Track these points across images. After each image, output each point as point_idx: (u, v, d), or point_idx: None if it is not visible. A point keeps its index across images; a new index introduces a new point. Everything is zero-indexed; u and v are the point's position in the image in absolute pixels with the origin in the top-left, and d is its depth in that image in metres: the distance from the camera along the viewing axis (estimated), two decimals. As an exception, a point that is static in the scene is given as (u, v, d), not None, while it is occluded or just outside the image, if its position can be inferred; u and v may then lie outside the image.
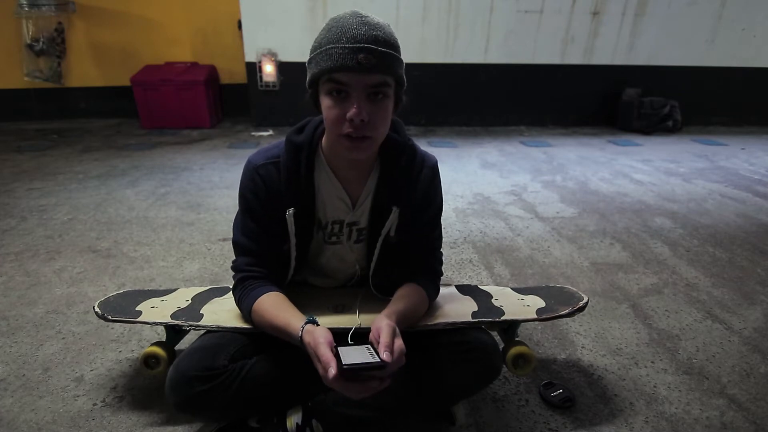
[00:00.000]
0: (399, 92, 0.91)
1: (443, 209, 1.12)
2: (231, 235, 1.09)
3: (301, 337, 0.87)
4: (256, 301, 0.98)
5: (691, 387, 1.30)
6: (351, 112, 0.84)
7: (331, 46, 0.83)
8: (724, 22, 4.81)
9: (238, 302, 1.04)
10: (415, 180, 1.04)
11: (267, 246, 1.03)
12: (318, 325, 0.89)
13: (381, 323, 0.85)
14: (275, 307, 0.97)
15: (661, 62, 4.90)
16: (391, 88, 0.87)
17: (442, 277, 1.15)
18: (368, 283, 1.11)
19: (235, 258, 1.06)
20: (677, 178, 3.33)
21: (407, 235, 1.06)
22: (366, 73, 0.82)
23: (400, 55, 0.88)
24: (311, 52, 0.88)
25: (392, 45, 0.85)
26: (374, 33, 0.83)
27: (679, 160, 3.82)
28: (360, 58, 0.81)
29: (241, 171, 1.03)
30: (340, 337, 0.88)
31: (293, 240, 1.02)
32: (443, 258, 1.16)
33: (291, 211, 0.99)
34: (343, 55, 0.81)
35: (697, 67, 4.96)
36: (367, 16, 0.85)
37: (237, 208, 1.07)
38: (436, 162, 1.08)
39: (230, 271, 1.07)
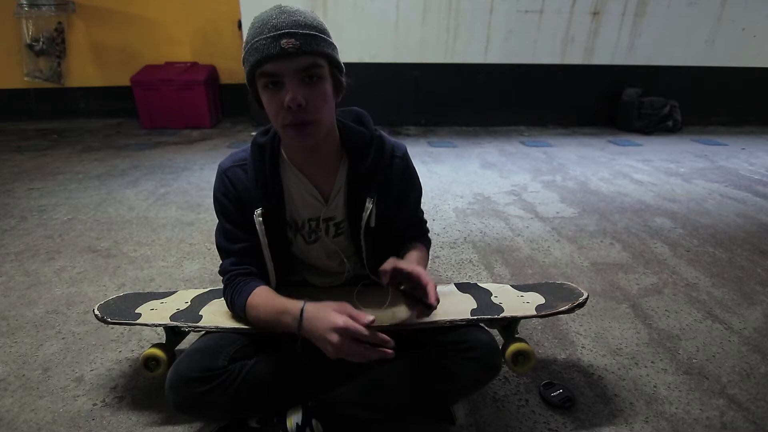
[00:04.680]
0: (336, 75, 0.91)
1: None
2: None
3: (302, 310, 0.89)
4: (251, 295, 0.99)
5: (691, 387, 1.30)
6: (287, 99, 0.84)
7: (255, 40, 0.84)
8: (724, 22, 4.81)
9: (231, 302, 1.04)
10: (387, 171, 1.05)
11: (247, 245, 1.04)
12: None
13: (412, 267, 0.93)
14: (270, 297, 0.99)
15: (661, 62, 4.89)
16: (323, 69, 0.88)
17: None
18: (362, 278, 1.14)
19: (221, 262, 1.08)
20: (677, 178, 3.33)
21: (394, 222, 1.10)
22: (292, 57, 0.83)
23: (328, 37, 0.88)
24: (243, 53, 0.89)
25: (315, 27, 0.86)
26: (294, 18, 0.84)
27: (679, 160, 3.82)
28: (283, 43, 0.82)
29: None
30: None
31: (263, 240, 1.03)
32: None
33: (258, 211, 1.00)
34: (267, 45, 0.83)
35: (697, 67, 4.96)
36: (288, 6, 0.86)
37: None
38: (406, 149, 1.10)
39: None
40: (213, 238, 1.10)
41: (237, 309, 1.02)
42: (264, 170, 1.00)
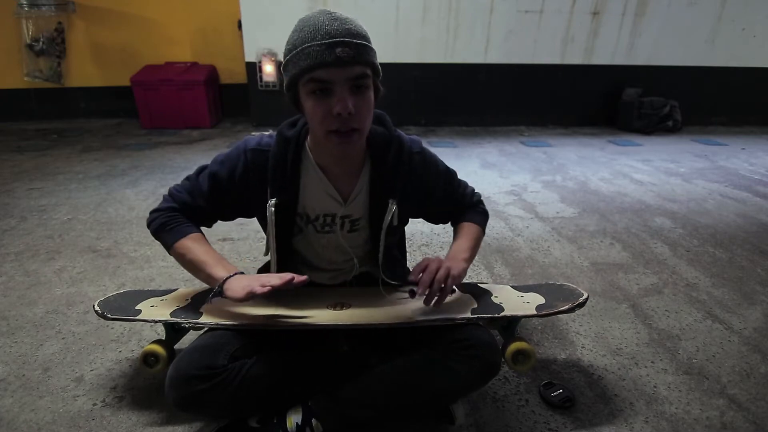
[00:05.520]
0: (376, 82, 0.92)
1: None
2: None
3: (235, 274, 0.98)
4: (188, 235, 1.04)
5: (691, 387, 1.30)
6: (338, 107, 0.85)
7: (306, 45, 0.83)
8: (724, 22, 4.81)
9: (160, 226, 1.06)
10: (408, 171, 1.06)
11: (203, 211, 1.08)
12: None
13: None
14: (210, 249, 1.06)
15: (661, 62, 4.90)
16: (370, 78, 0.89)
17: None
18: (366, 276, 1.15)
19: (175, 189, 1.09)
20: (677, 178, 3.33)
21: (431, 212, 1.19)
22: (346, 66, 0.83)
23: (372, 45, 0.89)
24: (286, 55, 0.89)
25: (365, 36, 0.87)
26: (347, 27, 0.84)
27: (679, 160, 3.82)
28: (338, 52, 0.82)
29: None
30: (336, 333, 0.89)
31: (272, 230, 1.03)
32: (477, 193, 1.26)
33: (272, 201, 1.01)
34: (321, 52, 0.82)
35: (697, 67, 4.96)
36: (336, 12, 0.86)
37: None
38: (421, 143, 1.11)
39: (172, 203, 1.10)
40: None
41: (167, 236, 1.05)
42: (285, 163, 1.01)
